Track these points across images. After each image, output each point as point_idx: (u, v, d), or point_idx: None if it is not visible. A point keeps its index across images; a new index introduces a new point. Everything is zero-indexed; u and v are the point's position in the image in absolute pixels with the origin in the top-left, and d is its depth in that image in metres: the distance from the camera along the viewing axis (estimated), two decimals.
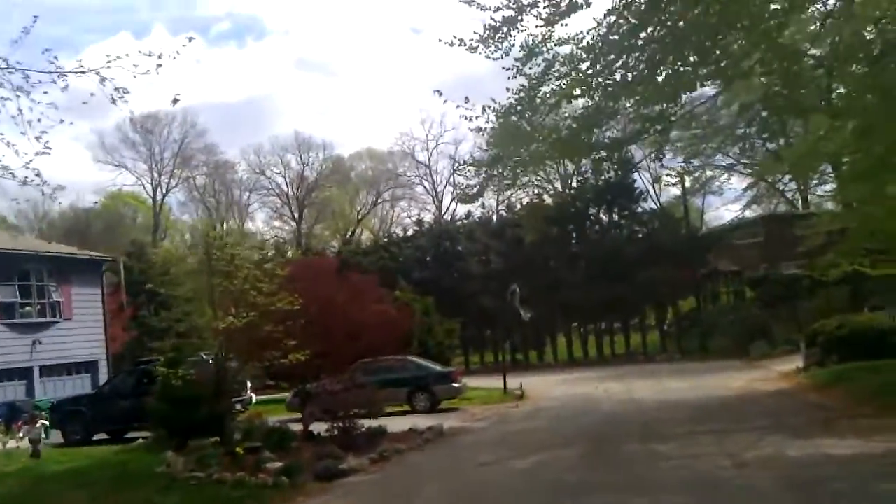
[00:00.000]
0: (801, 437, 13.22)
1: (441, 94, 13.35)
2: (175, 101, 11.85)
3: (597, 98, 12.35)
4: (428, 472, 12.21)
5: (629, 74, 11.69)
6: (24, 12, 9.23)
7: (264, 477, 12.25)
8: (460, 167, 17.61)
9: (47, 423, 19.53)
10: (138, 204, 67.38)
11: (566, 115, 13.93)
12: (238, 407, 20.73)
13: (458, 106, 13.67)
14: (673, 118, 12.88)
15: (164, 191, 66.16)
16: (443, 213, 62.97)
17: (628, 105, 12.58)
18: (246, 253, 15.33)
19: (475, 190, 16.75)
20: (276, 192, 68.90)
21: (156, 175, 65.33)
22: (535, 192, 51.71)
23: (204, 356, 18.63)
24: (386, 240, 52.17)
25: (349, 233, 63.91)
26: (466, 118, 13.79)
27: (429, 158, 67.37)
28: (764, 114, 24.67)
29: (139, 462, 14.10)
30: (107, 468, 13.68)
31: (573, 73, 12.34)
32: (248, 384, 21.69)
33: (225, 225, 62.88)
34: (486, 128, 14.17)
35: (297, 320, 14.64)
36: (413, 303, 33.74)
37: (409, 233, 52.48)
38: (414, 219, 54.02)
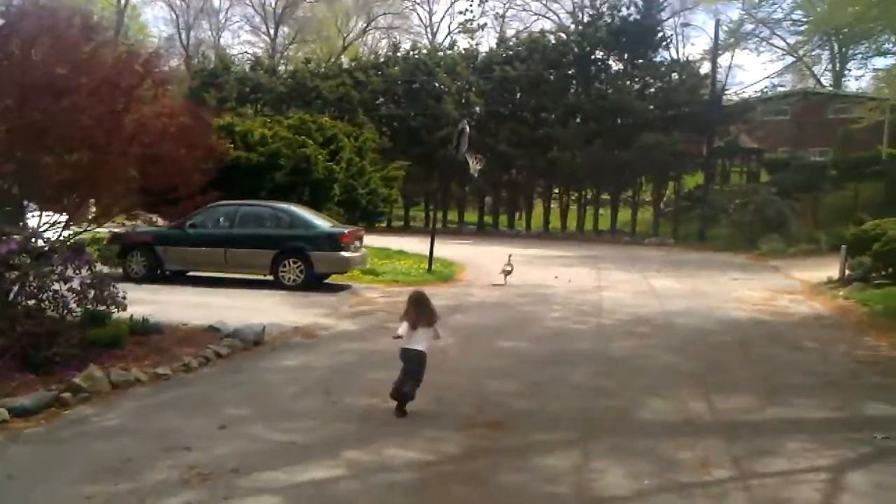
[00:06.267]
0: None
1: None
2: None
3: None
4: (59, 472, 5.19)
5: None
6: None
7: None
8: None
9: None
10: None
11: None
12: None
13: None
14: None
15: None
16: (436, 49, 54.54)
17: None
18: None
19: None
20: (251, 2, 62.12)
21: None
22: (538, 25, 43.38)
23: None
24: (353, 64, 43.75)
25: (333, 59, 55.48)
26: None
27: None
28: None
29: None
30: None
31: None
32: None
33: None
34: None
35: None
36: (342, 133, 26.01)
37: (381, 60, 43.96)
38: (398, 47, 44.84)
